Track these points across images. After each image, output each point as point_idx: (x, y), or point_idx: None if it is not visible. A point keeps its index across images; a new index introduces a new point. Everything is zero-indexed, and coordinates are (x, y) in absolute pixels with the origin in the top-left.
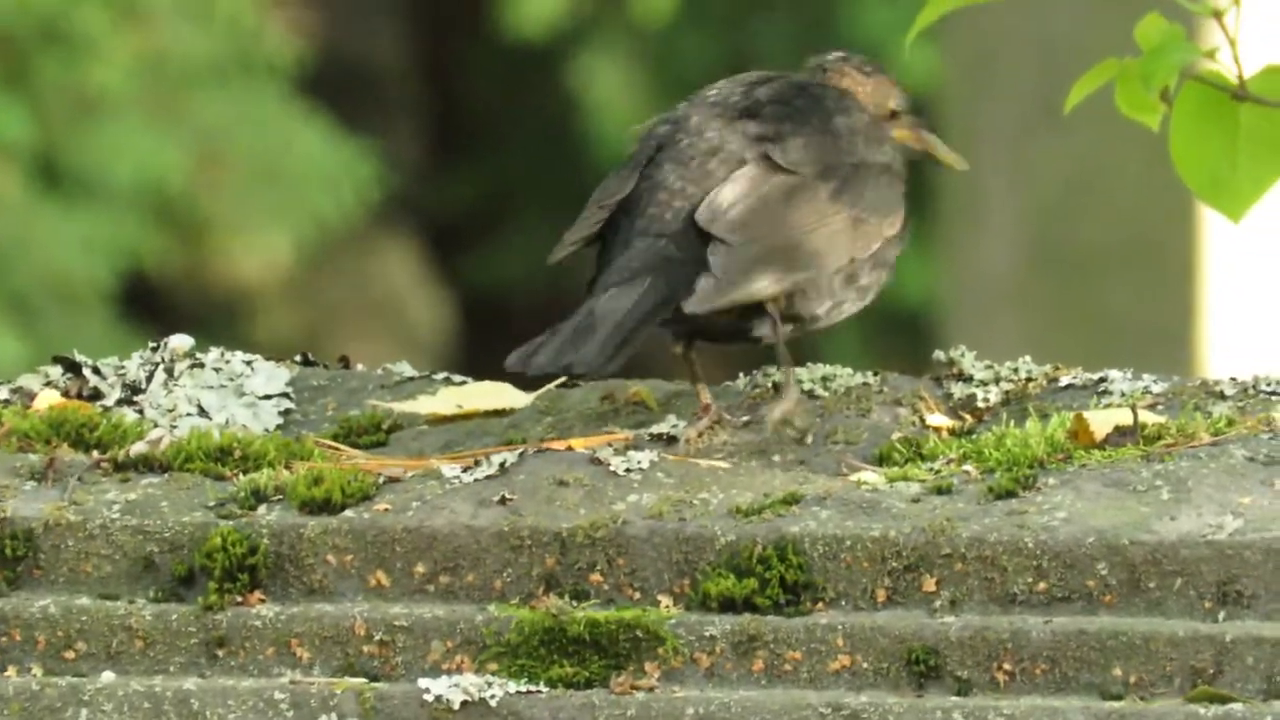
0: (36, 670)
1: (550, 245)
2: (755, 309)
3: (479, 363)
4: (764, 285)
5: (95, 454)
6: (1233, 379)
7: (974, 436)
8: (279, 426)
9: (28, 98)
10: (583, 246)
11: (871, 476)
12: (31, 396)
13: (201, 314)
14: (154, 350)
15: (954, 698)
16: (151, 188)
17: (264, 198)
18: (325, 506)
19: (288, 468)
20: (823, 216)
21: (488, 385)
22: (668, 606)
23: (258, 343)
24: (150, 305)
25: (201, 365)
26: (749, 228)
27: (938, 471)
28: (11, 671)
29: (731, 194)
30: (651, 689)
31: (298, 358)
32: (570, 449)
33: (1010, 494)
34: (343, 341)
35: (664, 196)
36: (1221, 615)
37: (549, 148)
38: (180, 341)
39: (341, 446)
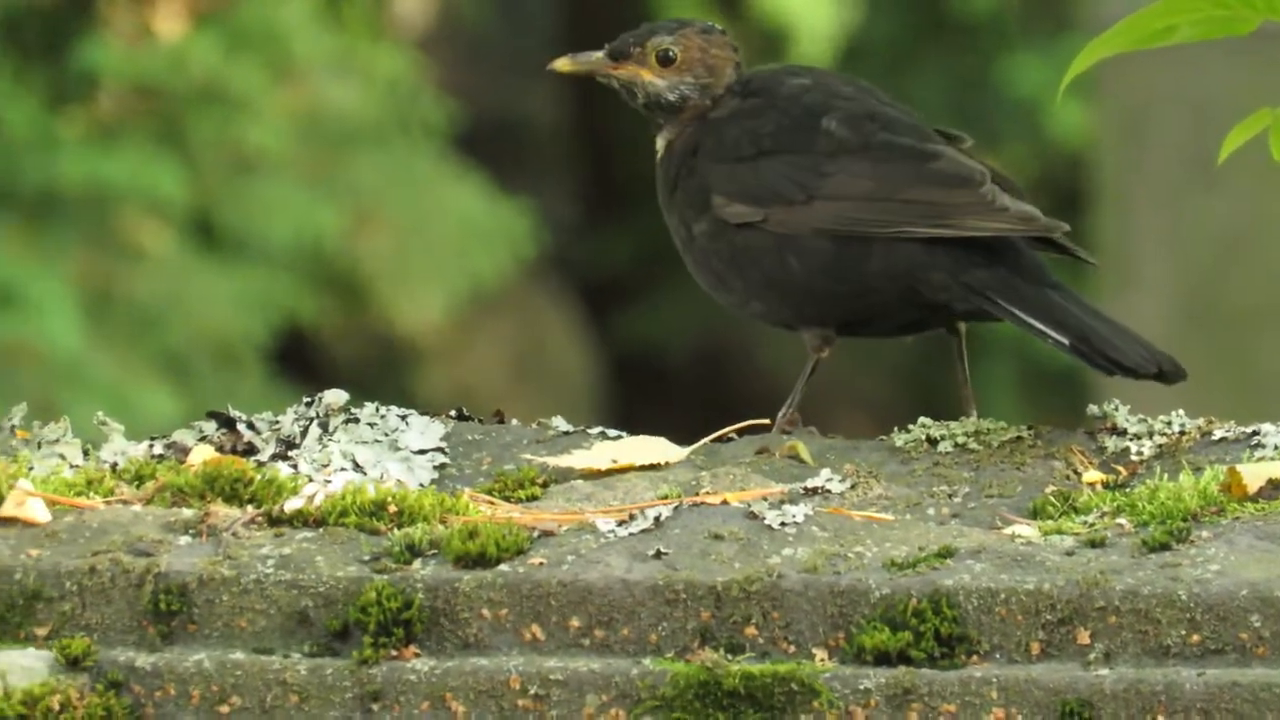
0: None
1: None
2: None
3: (633, 418)
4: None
5: (249, 509)
6: None
7: (1127, 490)
8: (434, 481)
9: (184, 156)
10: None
11: (1026, 530)
12: (186, 452)
13: (356, 370)
14: (308, 405)
15: None
16: (307, 246)
17: (419, 256)
18: (480, 560)
19: (442, 522)
20: None
21: (642, 440)
22: (822, 659)
23: (413, 398)
24: (305, 362)
25: (356, 420)
26: None
27: (1091, 525)
28: None
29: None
30: None
31: (452, 412)
32: (725, 503)
33: (1164, 547)
34: (497, 397)
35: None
36: None
37: None
38: (335, 396)
39: (496, 500)
